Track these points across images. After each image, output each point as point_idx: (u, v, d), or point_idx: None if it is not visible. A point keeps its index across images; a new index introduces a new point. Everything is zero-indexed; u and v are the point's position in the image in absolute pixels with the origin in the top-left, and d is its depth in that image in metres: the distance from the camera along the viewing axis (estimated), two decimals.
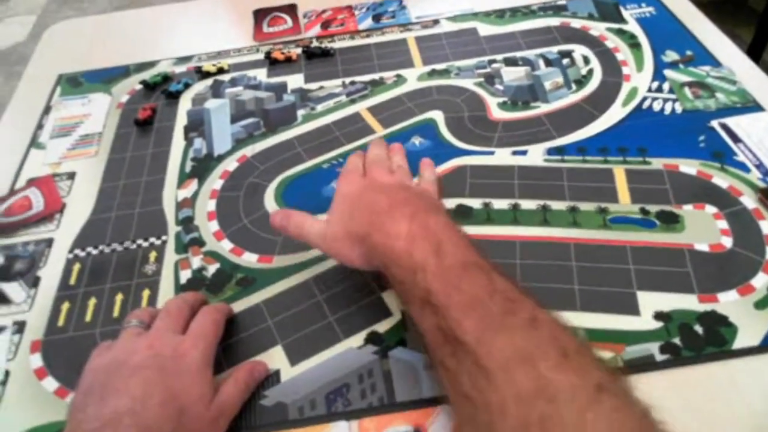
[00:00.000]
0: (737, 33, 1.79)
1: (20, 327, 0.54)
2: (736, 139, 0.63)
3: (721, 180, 0.59)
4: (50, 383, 0.50)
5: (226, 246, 0.59)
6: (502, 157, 0.65)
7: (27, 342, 0.53)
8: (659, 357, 0.47)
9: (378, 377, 0.48)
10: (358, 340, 0.51)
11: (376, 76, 0.77)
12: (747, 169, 0.60)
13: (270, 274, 0.56)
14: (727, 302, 0.50)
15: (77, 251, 0.60)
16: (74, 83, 0.82)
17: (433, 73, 0.76)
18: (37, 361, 0.52)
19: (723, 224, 0.56)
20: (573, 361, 0.34)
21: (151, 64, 0.83)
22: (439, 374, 0.39)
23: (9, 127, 0.77)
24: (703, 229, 0.56)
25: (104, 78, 0.82)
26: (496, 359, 0.35)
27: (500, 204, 0.60)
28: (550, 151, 0.65)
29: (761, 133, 0.63)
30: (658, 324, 0.49)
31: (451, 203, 0.60)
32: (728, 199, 0.58)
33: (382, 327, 0.51)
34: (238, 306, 0.54)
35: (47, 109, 0.78)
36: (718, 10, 0.90)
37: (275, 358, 0.50)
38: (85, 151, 0.71)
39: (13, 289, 0.58)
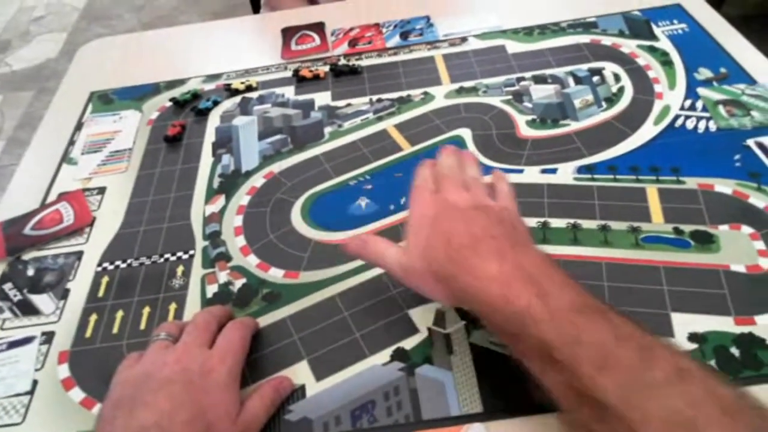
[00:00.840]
0: None
1: (49, 338, 0.55)
2: None
3: (758, 200, 0.58)
4: (77, 393, 0.50)
5: (252, 261, 0.59)
6: (531, 175, 0.64)
7: (55, 352, 0.54)
8: None
9: (404, 394, 0.47)
10: (384, 356, 0.50)
11: (403, 93, 0.77)
12: None
13: (296, 290, 0.56)
14: (765, 325, 0.48)
15: (106, 264, 0.61)
16: (105, 100, 0.83)
17: (461, 91, 0.76)
18: (64, 371, 0.52)
19: (760, 245, 0.54)
20: (734, 417, 0.32)
21: (181, 82, 0.84)
22: None
23: (42, 143, 0.78)
24: (740, 250, 0.54)
25: (135, 95, 0.83)
26: (655, 427, 0.32)
27: (529, 222, 0.59)
28: (581, 170, 0.64)
29: None
30: (693, 346, 0.48)
31: None
32: (766, 220, 0.56)
33: (408, 344, 0.51)
34: (264, 321, 0.54)
35: (79, 126, 0.79)
36: (750, 25, 0.89)
37: (300, 373, 0.50)
38: (116, 166, 0.72)
39: (43, 301, 0.58)
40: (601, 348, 0.35)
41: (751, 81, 0.71)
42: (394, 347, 0.51)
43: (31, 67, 2.56)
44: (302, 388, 0.49)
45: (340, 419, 0.46)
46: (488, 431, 0.45)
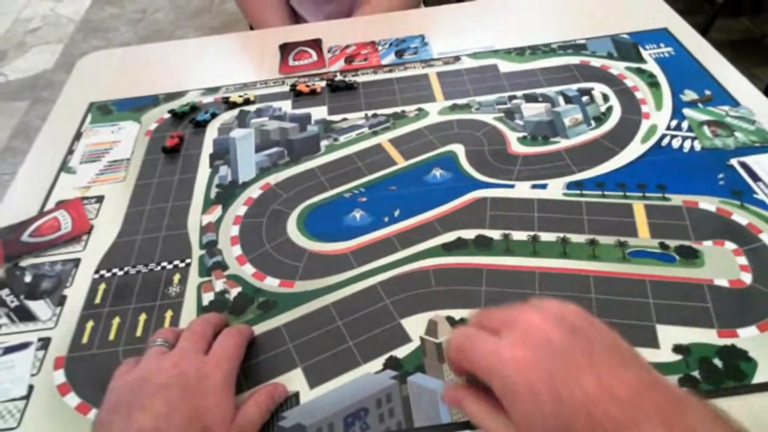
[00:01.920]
0: (755, 73, 1.80)
1: (45, 343, 0.55)
2: (755, 177, 0.63)
3: (740, 217, 0.60)
4: (72, 399, 0.51)
5: (248, 270, 0.60)
6: (522, 190, 0.66)
7: (51, 358, 0.54)
8: None
9: (396, 402, 0.48)
10: (376, 365, 0.51)
11: (398, 109, 0.79)
12: (767, 207, 0.60)
13: (291, 299, 0.57)
14: (747, 337, 0.50)
15: (103, 272, 0.62)
16: (105, 111, 0.84)
17: (454, 108, 0.78)
18: (60, 377, 0.53)
19: (743, 260, 0.56)
20: None
21: (179, 94, 0.86)
22: None
23: (41, 152, 0.79)
24: (723, 265, 0.56)
25: (134, 107, 0.85)
26: None
27: (520, 236, 0.60)
28: (570, 186, 0.65)
29: None
30: (677, 357, 0.49)
31: (470, 234, 0.61)
32: (748, 236, 0.58)
33: (401, 353, 0.52)
34: (259, 329, 0.55)
35: (78, 136, 0.80)
36: (736, 50, 0.92)
37: (295, 380, 0.51)
38: (114, 176, 0.73)
39: (40, 307, 0.59)
40: None
41: (734, 103, 0.73)
42: (386, 356, 0.52)
43: (27, 77, 2.57)
44: (296, 395, 0.50)
45: (333, 426, 0.47)
46: None
